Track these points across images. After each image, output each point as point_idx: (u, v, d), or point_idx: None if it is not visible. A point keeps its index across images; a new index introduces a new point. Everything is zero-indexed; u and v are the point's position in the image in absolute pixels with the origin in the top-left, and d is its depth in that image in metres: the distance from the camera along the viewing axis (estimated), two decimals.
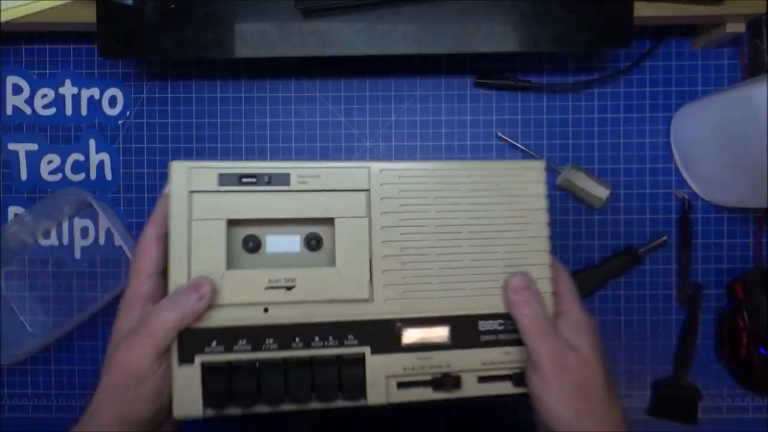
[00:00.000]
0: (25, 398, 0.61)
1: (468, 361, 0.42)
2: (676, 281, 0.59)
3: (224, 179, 0.41)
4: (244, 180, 0.41)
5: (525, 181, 0.44)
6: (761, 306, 0.55)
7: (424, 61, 0.60)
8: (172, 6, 0.52)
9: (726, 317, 0.58)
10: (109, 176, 0.61)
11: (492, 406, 0.58)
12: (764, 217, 0.59)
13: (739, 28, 0.54)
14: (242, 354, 0.40)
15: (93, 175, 0.61)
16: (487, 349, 0.42)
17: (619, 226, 0.59)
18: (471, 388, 0.42)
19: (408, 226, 0.42)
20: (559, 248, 0.60)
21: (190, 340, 0.39)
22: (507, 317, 0.42)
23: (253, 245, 0.42)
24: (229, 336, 0.40)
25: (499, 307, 0.42)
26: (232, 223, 0.41)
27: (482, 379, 0.43)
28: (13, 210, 0.61)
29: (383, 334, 0.41)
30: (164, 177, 0.60)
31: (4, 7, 0.53)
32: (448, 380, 0.42)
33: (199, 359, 0.39)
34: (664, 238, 0.59)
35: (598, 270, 0.58)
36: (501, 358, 0.42)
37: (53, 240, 0.61)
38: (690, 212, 0.59)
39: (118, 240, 0.60)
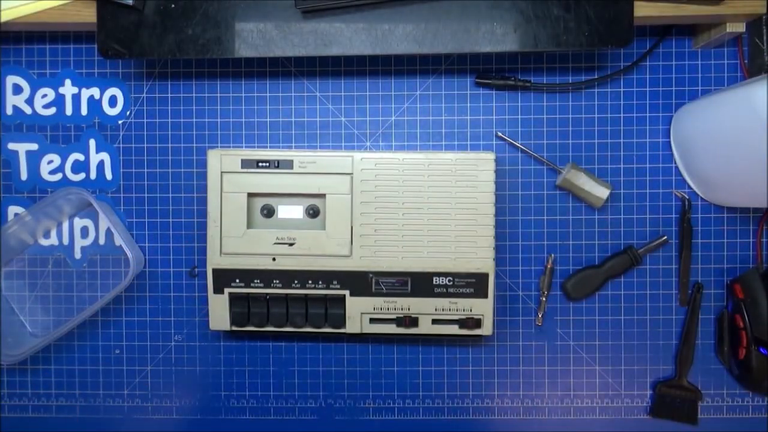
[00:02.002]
0: (25, 398, 0.61)
1: (424, 306, 0.55)
2: (676, 281, 0.59)
3: (245, 163, 0.55)
4: (260, 164, 0.54)
5: (477, 170, 0.54)
6: (761, 306, 0.55)
7: (424, 61, 0.60)
8: (172, 6, 0.52)
9: (726, 317, 0.58)
10: (109, 176, 0.61)
11: None
12: (764, 217, 0.59)
13: (739, 28, 0.54)
14: (257, 289, 0.55)
15: (93, 175, 0.61)
16: (438, 298, 0.55)
17: (619, 226, 0.59)
18: (426, 327, 0.55)
19: (381, 202, 0.55)
20: (559, 248, 0.60)
21: (221, 277, 0.55)
22: (455, 275, 0.54)
23: (267, 212, 0.56)
24: (247, 276, 0.55)
25: (449, 267, 0.54)
26: (252, 195, 0.55)
27: (435, 321, 0.55)
28: (13, 210, 0.61)
29: (359, 282, 0.55)
30: (164, 177, 0.60)
31: (4, 7, 0.53)
32: (408, 319, 0.55)
33: (227, 291, 0.55)
34: (664, 238, 0.59)
35: (598, 270, 0.58)
36: (449, 305, 0.55)
37: (53, 240, 0.61)
38: (690, 212, 0.59)
39: (118, 240, 0.60)
